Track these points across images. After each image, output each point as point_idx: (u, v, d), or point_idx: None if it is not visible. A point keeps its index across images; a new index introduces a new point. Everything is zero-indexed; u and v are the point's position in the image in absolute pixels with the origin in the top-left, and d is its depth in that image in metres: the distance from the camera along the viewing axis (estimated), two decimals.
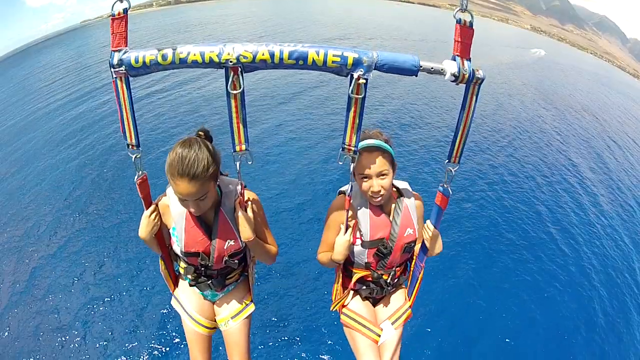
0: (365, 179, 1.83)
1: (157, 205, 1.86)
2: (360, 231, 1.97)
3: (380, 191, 1.83)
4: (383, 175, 1.81)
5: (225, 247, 1.90)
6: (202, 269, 1.98)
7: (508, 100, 16.81)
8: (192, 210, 1.69)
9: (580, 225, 7.58)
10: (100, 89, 14.26)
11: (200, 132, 1.78)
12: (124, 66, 1.45)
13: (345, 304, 2.22)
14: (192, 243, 1.87)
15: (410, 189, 2.07)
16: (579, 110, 18.75)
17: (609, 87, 31.89)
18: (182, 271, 2.09)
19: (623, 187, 10.47)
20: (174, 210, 1.85)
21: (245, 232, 1.82)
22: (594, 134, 15.23)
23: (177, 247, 1.91)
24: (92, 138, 9.98)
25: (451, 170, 1.69)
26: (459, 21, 1.40)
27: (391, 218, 1.99)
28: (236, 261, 2.00)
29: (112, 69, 1.47)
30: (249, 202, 1.86)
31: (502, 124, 12.96)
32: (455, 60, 1.45)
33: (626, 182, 10.95)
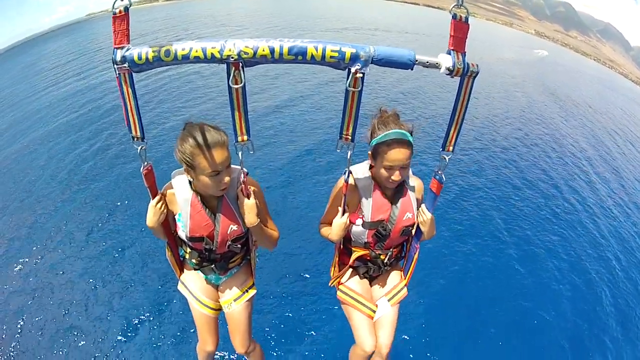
0: (390, 169, 1.89)
1: (163, 194, 1.94)
2: (362, 212, 2.06)
3: (399, 180, 1.92)
4: (406, 166, 1.91)
5: (228, 232, 1.98)
6: (206, 253, 2.06)
7: (506, 91, 17.48)
8: (226, 181, 1.77)
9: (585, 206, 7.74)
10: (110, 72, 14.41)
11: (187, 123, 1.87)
12: (127, 63, 1.49)
13: (342, 281, 2.34)
14: (197, 228, 1.95)
15: (411, 172, 2.16)
16: (571, 98, 19.46)
17: (611, 89, 32.24)
18: (186, 256, 2.18)
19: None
20: (180, 197, 1.93)
21: (250, 218, 1.90)
22: (593, 123, 15.81)
23: (183, 232, 1.99)
24: (105, 121, 10.17)
25: (445, 159, 1.76)
26: (454, 16, 1.44)
27: (392, 201, 2.07)
28: (239, 245, 2.08)
29: (115, 66, 1.51)
30: (251, 190, 1.92)
31: (500, 113, 13.39)
32: (450, 54, 1.49)
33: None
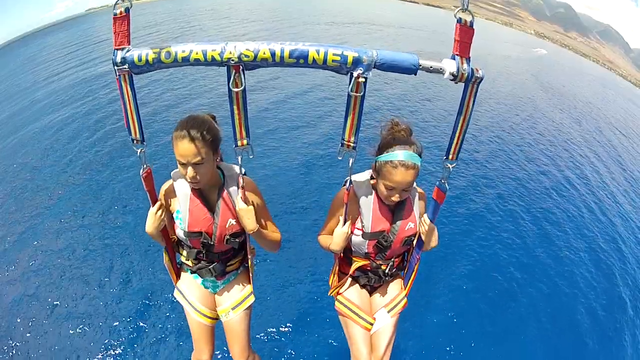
0: (391, 190, 1.85)
1: (162, 198, 1.95)
2: (362, 222, 2.01)
3: (399, 200, 1.88)
4: (408, 188, 1.86)
5: (227, 226, 1.96)
6: (204, 251, 2.03)
7: (505, 84, 18.16)
8: (189, 175, 1.74)
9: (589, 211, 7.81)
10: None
11: (207, 115, 1.90)
12: (127, 64, 1.47)
13: (341, 291, 2.29)
14: (195, 222, 1.94)
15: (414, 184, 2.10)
16: (570, 93, 20.59)
17: (608, 87, 33.06)
18: (183, 259, 2.15)
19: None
20: (179, 191, 1.93)
21: (249, 224, 1.87)
22: (590, 115, 16.75)
23: (181, 230, 1.97)
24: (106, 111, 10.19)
25: (449, 167, 1.69)
26: (459, 21, 1.39)
27: (394, 211, 2.03)
28: (238, 241, 2.04)
29: (116, 67, 1.49)
30: (248, 195, 1.91)
31: (502, 105, 13.93)
32: (454, 59, 1.44)
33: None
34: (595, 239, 6.60)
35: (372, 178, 2.04)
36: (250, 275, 2.25)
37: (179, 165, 1.78)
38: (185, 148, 1.68)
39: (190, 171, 1.73)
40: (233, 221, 1.96)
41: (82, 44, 23.48)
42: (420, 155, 1.83)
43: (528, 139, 10.90)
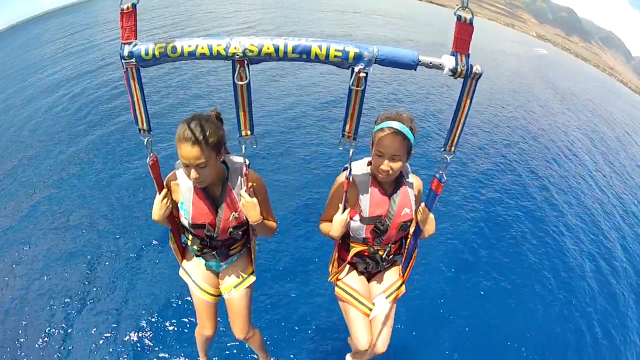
0: (380, 156, 1.92)
1: (168, 188, 1.99)
2: (360, 207, 2.07)
3: (388, 171, 1.93)
4: (396, 158, 1.91)
5: (230, 219, 2.02)
6: (208, 240, 2.10)
7: (505, 80, 19.20)
8: (193, 177, 1.79)
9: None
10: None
11: (212, 112, 1.94)
12: (134, 58, 1.51)
13: (340, 277, 2.36)
14: (199, 215, 1.99)
15: (411, 171, 2.18)
16: (569, 90, 22.08)
17: (607, 88, 34.18)
18: (188, 243, 2.23)
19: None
20: (183, 185, 1.97)
21: (252, 216, 1.94)
22: (587, 108, 18.26)
23: (185, 220, 2.03)
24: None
25: (446, 158, 1.75)
26: (459, 18, 1.42)
27: (390, 197, 2.09)
28: (240, 232, 2.11)
29: (123, 61, 1.53)
30: (252, 187, 1.96)
31: (499, 108, 14.29)
32: (454, 55, 1.48)
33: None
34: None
35: (369, 164, 2.11)
36: (252, 256, 2.35)
37: (182, 165, 1.83)
38: (188, 151, 1.72)
39: (193, 173, 1.79)
40: (236, 214, 2.02)
41: (89, 25, 23.79)
42: (412, 131, 1.90)
43: (535, 129, 11.85)
